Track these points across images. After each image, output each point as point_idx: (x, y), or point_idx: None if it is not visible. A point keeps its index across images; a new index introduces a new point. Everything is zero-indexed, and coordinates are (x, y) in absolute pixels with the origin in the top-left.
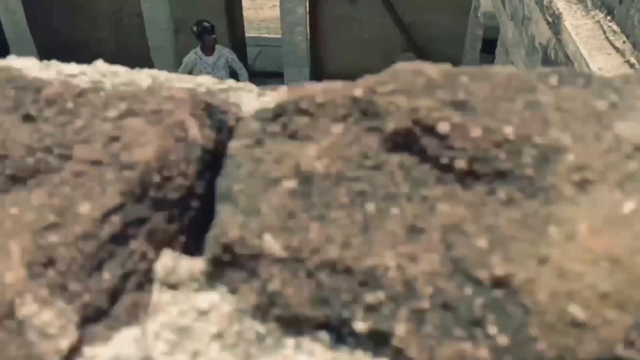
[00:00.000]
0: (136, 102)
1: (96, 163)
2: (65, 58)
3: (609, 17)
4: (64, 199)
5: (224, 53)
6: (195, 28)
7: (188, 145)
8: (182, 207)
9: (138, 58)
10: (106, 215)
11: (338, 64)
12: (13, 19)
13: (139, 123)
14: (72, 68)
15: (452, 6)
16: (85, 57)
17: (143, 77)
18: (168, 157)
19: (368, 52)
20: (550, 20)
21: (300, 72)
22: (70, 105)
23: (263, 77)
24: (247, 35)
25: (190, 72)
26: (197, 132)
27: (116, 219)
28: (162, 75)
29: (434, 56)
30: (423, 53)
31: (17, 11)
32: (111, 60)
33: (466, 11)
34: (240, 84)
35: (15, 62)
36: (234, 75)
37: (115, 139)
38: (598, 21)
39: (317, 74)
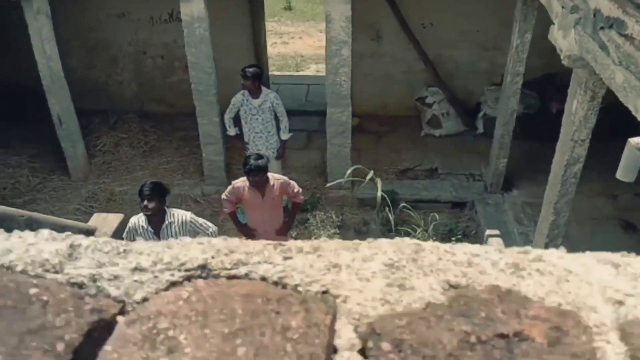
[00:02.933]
0: None
1: None
2: (84, 99)
3: None
4: None
5: (270, 97)
6: (247, 71)
7: None
8: None
9: (159, 98)
10: None
11: (364, 98)
12: (50, 65)
13: None
14: None
15: (474, 42)
16: (107, 98)
17: None
18: None
19: (392, 87)
20: None
21: (343, 111)
22: None
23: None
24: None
25: (237, 112)
26: None
27: None
28: None
29: (456, 90)
30: (446, 87)
31: (53, 57)
32: (134, 100)
33: (488, 47)
34: None
35: None
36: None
37: None
38: None
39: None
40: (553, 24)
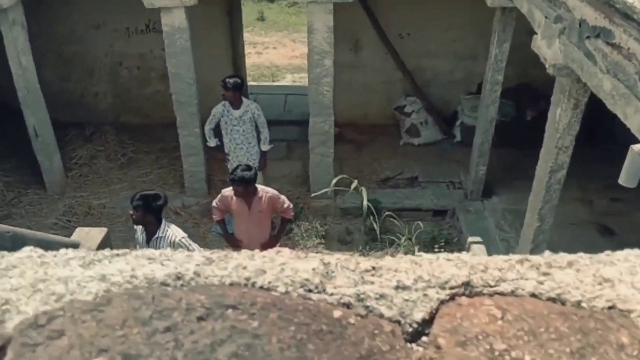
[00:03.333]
0: None
1: None
2: (59, 111)
3: None
4: None
5: (251, 108)
6: (228, 82)
7: None
8: None
9: (136, 110)
10: None
11: (343, 108)
12: (25, 77)
13: None
14: None
15: (451, 52)
16: (82, 109)
17: None
18: None
19: (372, 96)
20: None
21: (325, 121)
22: None
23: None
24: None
25: (217, 123)
26: None
27: None
28: None
29: (433, 98)
30: (424, 96)
31: (29, 68)
32: (110, 111)
33: (465, 56)
34: None
35: None
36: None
37: None
38: None
39: None
40: (535, 33)
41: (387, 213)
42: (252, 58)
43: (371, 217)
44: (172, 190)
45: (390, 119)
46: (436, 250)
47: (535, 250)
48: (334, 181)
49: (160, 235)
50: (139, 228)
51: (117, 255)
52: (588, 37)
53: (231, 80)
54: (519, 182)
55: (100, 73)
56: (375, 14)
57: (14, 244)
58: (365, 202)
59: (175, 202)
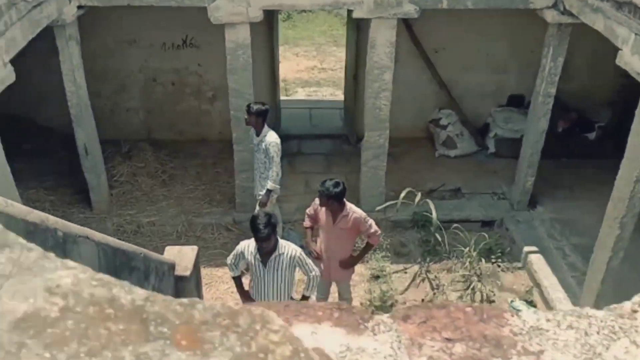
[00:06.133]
0: None
1: None
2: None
3: None
4: None
5: (266, 139)
6: (251, 107)
7: None
8: None
9: (168, 126)
10: None
11: None
12: (79, 93)
13: None
14: None
15: (484, 65)
16: (112, 126)
17: None
18: None
19: (404, 109)
20: None
21: (381, 135)
22: None
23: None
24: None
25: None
26: None
27: None
28: None
29: (465, 111)
30: (459, 109)
31: (82, 85)
32: (141, 127)
33: (496, 70)
34: None
35: None
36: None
37: None
38: None
39: (357, 133)
40: (620, 49)
41: (454, 225)
42: None
43: (433, 230)
44: (221, 206)
45: (422, 131)
46: (493, 261)
47: (614, 258)
48: (402, 194)
49: (280, 252)
50: (246, 249)
51: None
52: None
53: (255, 107)
54: (558, 192)
55: (133, 88)
56: (413, 29)
57: (144, 265)
58: (434, 214)
59: (226, 219)
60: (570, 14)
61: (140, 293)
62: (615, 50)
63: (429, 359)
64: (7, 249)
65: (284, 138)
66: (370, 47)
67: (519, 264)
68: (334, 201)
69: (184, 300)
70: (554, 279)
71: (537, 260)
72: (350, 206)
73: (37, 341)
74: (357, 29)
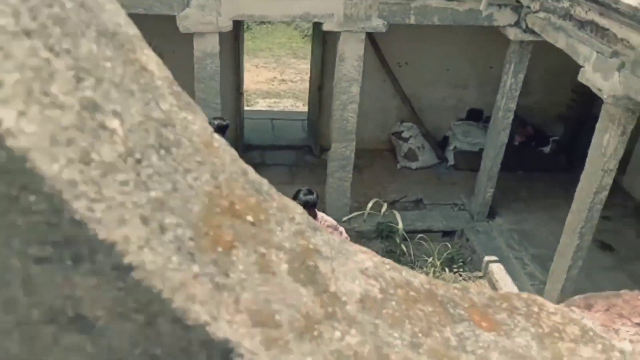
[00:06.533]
0: None
1: None
2: None
3: None
4: None
5: None
6: (212, 122)
7: None
8: None
9: None
10: None
11: None
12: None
13: None
14: None
15: (444, 80)
16: None
17: None
18: None
19: (367, 122)
20: None
21: (347, 146)
22: None
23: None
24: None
25: None
26: None
27: None
28: None
29: (426, 124)
30: (420, 122)
31: None
32: None
33: (457, 85)
34: None
35: None
36: None
37: None
38: None
39: (321, 144)
40: (582, 67)
41: (419, 235)
42: None
43: (398, 240)
44: None
45: (384, 143)
46: (455, 270)
47: (573, 267)
48: (370, 204)
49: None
50: None
51: None
52: None
53: (216, 122)
54: (516, 204)
55: None
56: (378, 43)
57: None
58: (400, 224)
59: None
60: (532, 32)
61: (422, 277)
62: (570, 67)
63: (632, 344)
64: (318, 231)
65: (247, 148)
66: (339, 60)
67: (480, 273)
68: (312, 209)
69: (456, 285)
70: (514, 288)
71: (497, 270)
72: (321, 215)
73: (382, 322)
74: (323, 42)
